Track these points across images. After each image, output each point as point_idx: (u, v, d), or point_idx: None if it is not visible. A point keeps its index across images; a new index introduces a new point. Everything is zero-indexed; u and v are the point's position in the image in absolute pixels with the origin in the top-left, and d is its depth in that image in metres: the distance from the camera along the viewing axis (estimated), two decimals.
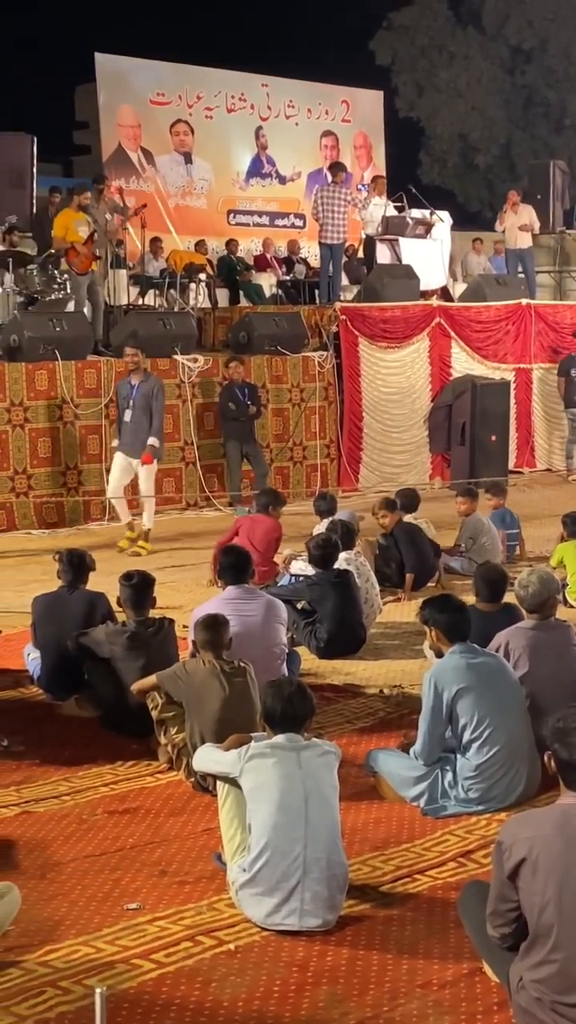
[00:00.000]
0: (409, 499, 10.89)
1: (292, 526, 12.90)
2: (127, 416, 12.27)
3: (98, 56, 23.26)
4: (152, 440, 12.17)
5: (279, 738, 4.79)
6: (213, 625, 6.19)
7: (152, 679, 6.30)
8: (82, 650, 7.05)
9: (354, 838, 5.38)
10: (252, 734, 5.08)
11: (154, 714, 6.25)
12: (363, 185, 24.20)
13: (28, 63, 33.97)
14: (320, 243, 17.87)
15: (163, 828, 5.61)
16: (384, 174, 23.08)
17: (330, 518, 9.88)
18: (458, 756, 5.84)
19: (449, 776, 5.83)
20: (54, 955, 4.41)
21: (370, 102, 27.51)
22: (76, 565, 7.56)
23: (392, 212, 18.21)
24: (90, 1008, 4.04)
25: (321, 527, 9.68)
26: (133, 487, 12.56)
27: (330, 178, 18.05)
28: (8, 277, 14.72)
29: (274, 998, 4.18)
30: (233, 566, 7.32)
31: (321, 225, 17.46)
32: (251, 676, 6.06)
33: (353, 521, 9.78)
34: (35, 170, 18.57)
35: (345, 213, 17.52)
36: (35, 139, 18.25)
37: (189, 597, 9.72)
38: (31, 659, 7.55)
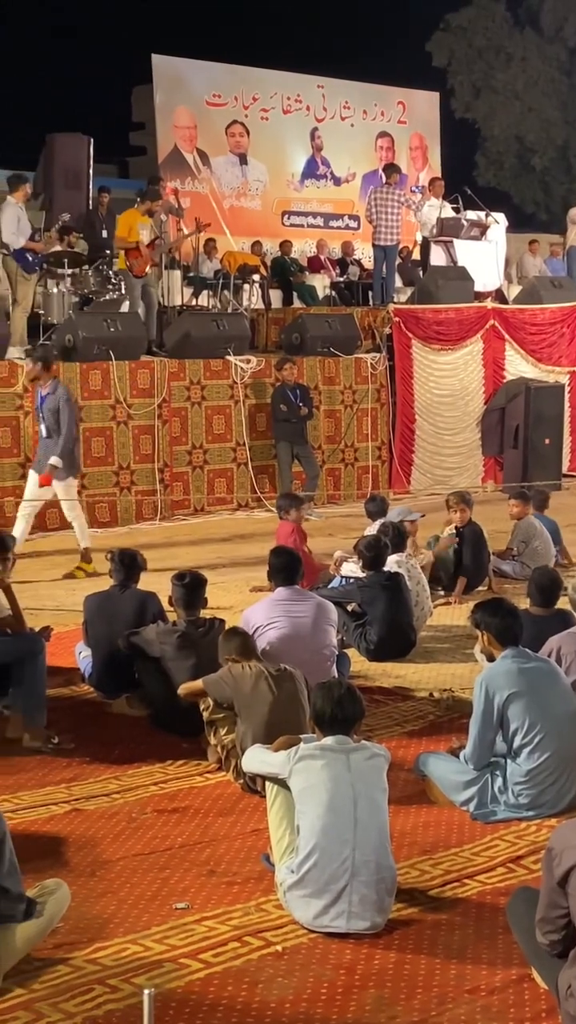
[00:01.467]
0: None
1: (342, 528, 12.94)
2: (41, 430, 11.38)
3: (155, 58, 23.35)
4: (53, 460, 10.96)
5: (328, 740, 4.78)
6: (237, 631, 6.24)
7: (199, 684, 6.32)
8: (133, 649, 7.08)
9: (403, 841, 5.37)
10: (301, 736, 5.07)
11: (205, 715, 6.26)
12: (417, 187, 24.16)
13: (86, 64, 34.14)
14: (374, 245, 17.84)
15: (212, 828, 5.63)
16: (440, 176, 22.98)
17: (381, 520, 9.85)
18: (508, 761, 5.81)
19: (499, 781, 5.80)
20: (103, 953, 4.43)
21: (426, 103, 27.43)
22: (128, 564, 7.59)
23: (448, 214, 18.15)
24: (138, 1007, 4.06)
25: (372, 529, 9.66)
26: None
27: (384, 179, 18.01)
28: (64, 277, 14.81)
29: (321, 1000, 4.18)
30: (283, 567, 7.32)
31: (375, 227, 17.44)
32: (298, 680, 6.06)
33: (404, 521, 9.75)
34: (91, 171, 18.67)
35: (399, 214, 17.49)
36: (92, 140, 18.34)
37: (239, 598, 9.74)
38: (82, 657, 7.59)
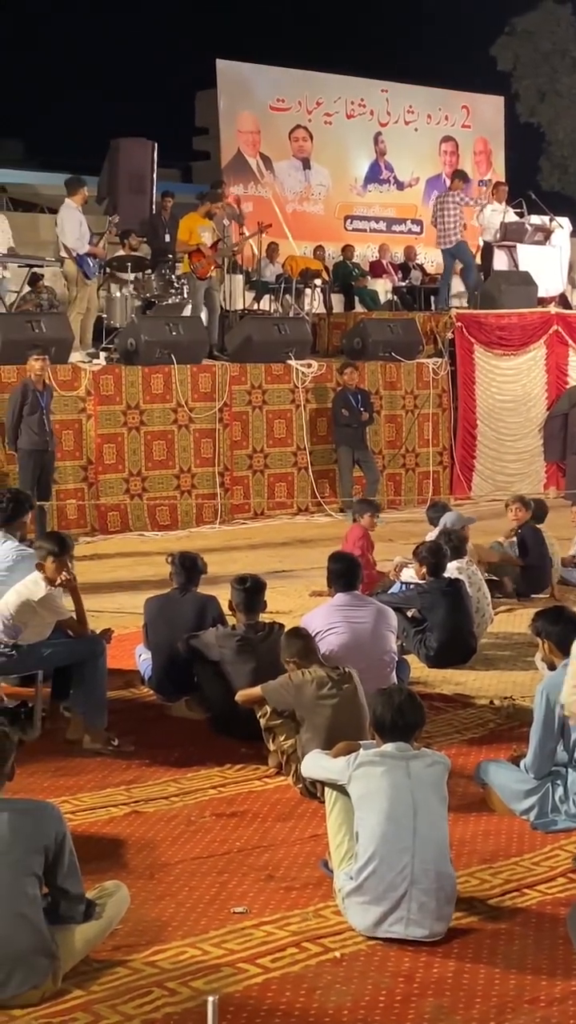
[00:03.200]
0: (540, 510, 10.75)
1: (403, 534, 12.88)
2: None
3: (219, 62, 23.43)
4: None
5: (388, 747, 4.76)
6: (299, 634, 6.23)
7: (257, 691, 6.32)
8: (192, 652, 7.09)
9: (462, 850, 5.33)
10: (361, 742, 5.06)
11: (262, 722, 6.27)
12: (482, 181, 24.00)
13: (149, 69, 34.36)
14: (442, 250, 17.73)
15: (270, 832, 5.62)
16: (504, 180, 22.88)
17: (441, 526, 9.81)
18: (569, 770, 5.76)
19: (560, 790, 5.75)
20: (161, 955, 4.43)
21: (491, 107, 27.30)
22: (188, 568, 7.60)
23: (511, 218, 18.07)
24: (195, 1010, 4.07)
25: (433, 535, 9.62)
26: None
27: (448, 184, 17.90)
28: (127, 282, 14.90)
29: (379, 1008, 4.16)
30: (343, 573, 7.30)
31: (439, 231, 17.36)
32: (357, 681, 6.05)
33: (460, 524, 9.71)
34: (155, 176, 18.78)
35: (460, 215, 17.33)
36: (156, 145, 18.44)
37: (299, 603, 9.72)
38: (142, 660, 7.61)
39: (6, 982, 4.05)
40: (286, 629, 7.23)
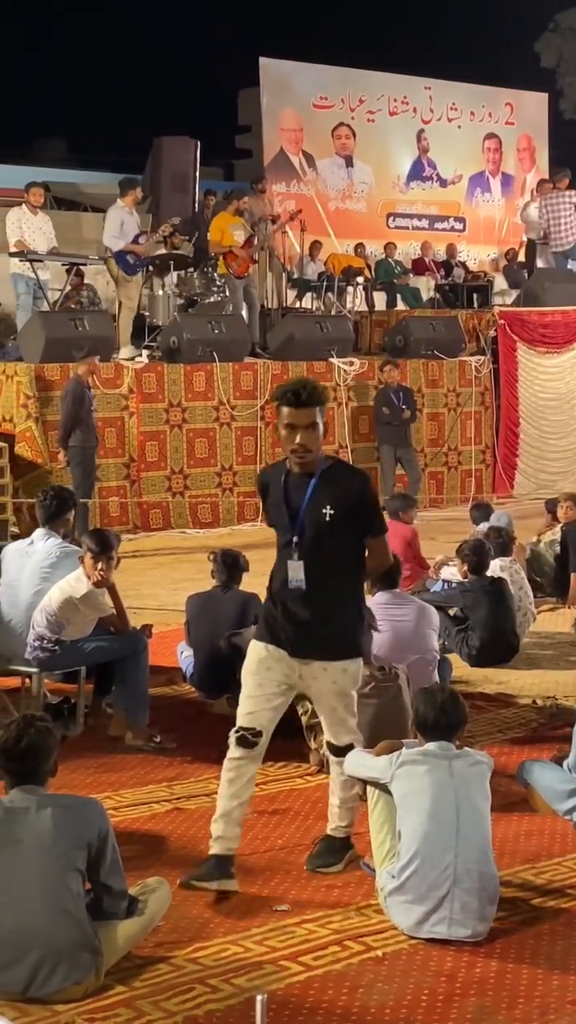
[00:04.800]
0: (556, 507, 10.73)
1: (444, 532, 12.84)
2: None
3: (262, 60, 23.44)
4: None
5: (431, 746, 4.75)
6: None
7: None
8: (234, 650, 7.08)
9: (504, 850, 5.30)
10: (403, 740, 5.04)
11: (303, 720, 6.26)
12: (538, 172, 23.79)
13: (192, 68, 34.43)
14: (553, 254, 17.53)
15: (313, 830, 5.60)
16: (548, 177, 22.75)
17: (485, 523, 9.77)
18: None
19: None
20: (203, 952, 4.44)
21: (534, 104, 27.18)
22: (230, 565, 7.62)
23: None
24: (237, 1008, 4.07)
25: (475, 533, 9.59)
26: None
27: (553, 184, 17.71)
28: (169, 280, 14.94)
29: (421, 1007, 4.14)
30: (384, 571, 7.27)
31: (547, 234, 17.20)
32: (403, 682, 6.03)
33: (509, 526, 9.67)
34: (197, 174, 18.82)
35: (573, 218, 17.16)
36: (199, 143, 18.47)
37: None
38: (184, 657, 7.63)
39: (49, 977, 4.07)
40: None
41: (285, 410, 4.85)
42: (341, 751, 5.10)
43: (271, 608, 5.09)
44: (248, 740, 5.00)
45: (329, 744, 5.16)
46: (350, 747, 5.06)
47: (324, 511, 4.86)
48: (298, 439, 4.82)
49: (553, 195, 17.33)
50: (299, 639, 4.98)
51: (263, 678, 5.01)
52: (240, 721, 5.03)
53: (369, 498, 5.02)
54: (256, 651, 5.06)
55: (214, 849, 5.00)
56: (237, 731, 5.02)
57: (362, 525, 4.98)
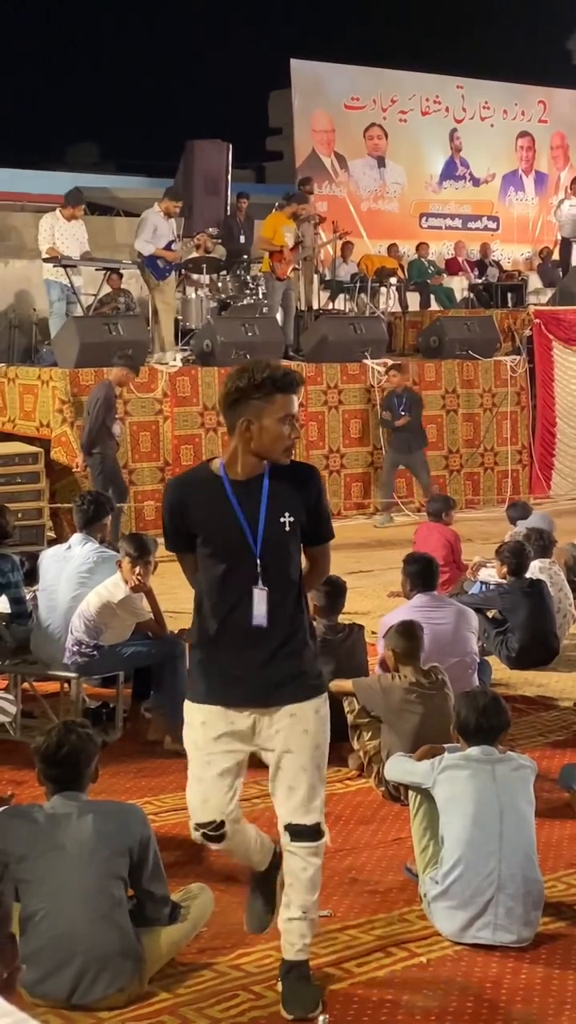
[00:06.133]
0: None
1: (481, 533, 12.78)
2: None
3: (293, 62, 23.39)
4: None
5: (473, 750, 4.71)
6: (410, 632, 6.12)
7: (349, 684, 6.29)
8: None
9: (548, 854, 5.25)
10: (445, 745, 5.01)
11: (349, 718, 6.23)
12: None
13: (221, 70, 34.44)
14: None
15: (353, 835, 5.59)
16: None
17: (523, 524, 9.71)
18: None
19: None
20: (246, 959, 4.42)
21: (568, 102, 26.99)
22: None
23: None
24: (280, 1016, 4.04)
25: (514, 534, 9.53)
26: None
27: None
28: (202, 282, 14.93)
29: (467, 1014, 4.11)
30: (420, 573, 7.24)
31: None
32: (449, 690, 5.99)
33: (549, 527, 9.60)
34: (230, 177, 18.82)
35: None
36: (231, 146, 18.47)
37: (376, 603, 9.69)
38: None
39: (93, 984, 4.06)
40: (364, 632, 7.21)
41: (281, 398, 3.95)
42: (309, 833, 4.08)
43: (210, 657, 4.09)
44: (212, 837, 4.09)
45: (291, 826, 4.09)
46: (319, 830, 4.11)
47: (283, 520, 3.99)
48: (293, 433, 4.01)
49: None
50: (259, 684, 4.04)
51: (212, 753, 4.06)
52: (196, 814, 4.09)
53: (326, 497, 4.19)
54: (197, 717, 4.09)
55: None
56: (196, 828, 4.10)
57: (313, 531, 4.12)
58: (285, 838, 4.12)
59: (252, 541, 3.97)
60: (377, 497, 14.33)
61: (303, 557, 4.17)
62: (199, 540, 4.06)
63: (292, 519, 4.00)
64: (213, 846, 4.16)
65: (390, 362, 14.76)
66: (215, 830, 4.06)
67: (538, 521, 9.91)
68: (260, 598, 3.99)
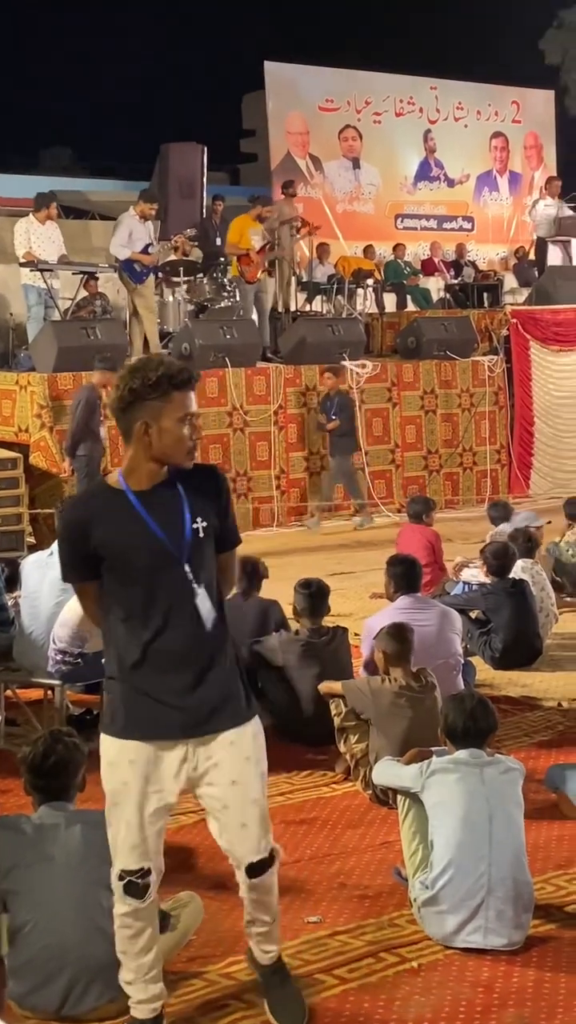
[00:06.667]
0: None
1: (462, 533, 12.79)
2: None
3: (267, 64, 23.43)
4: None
5: (461, 753, 4.70)
6: (401, 635, 6.10)
7: (338, 686, 6.27)
8: (256, 658, 7.05)
9: (536, 855, 5.24)
10: (433, 748, 4.99)
11: (336, 721, 6.21)
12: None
13: (194, 73, 34.44)
14: None
15: (341, 840, 5.57)
16: (556, 174, 22.72)
17: (505, 524, 9.71)
18: None
19: None
20: (237, 967, 4.38)
21: (541, 102, 27.12)
22: (250, 573, 7.57)
23: (565, 213, 17.92)
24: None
25: (494, 534, 9.53)
26: None
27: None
28: (179, 286, 14.90)
29: (459, 1019, 4.10)
30: (404, 575, 7.23)
31: None
32: (438, 694, 5.97)
33: (533, 525, 9.62)
34: (205, 180, 18.78)
35: None
36: (205, 149, 18.44)
37: (359, 605, 9.68)
38: None
39: (84, 995, 4.03)
40: (349, 634, 7.19)
41: (179, 396, 3.68)
42: (269, 862, 3.88)
43: (134, 687, 3.74)
44: (138, 887, 3.76)
45: (252, 866, 3.85)
46: (273, 857, 3.88)
47: (196, 526, 3.72)
48: (194, 433, 3.73)
49: None
50: (192, 710, 3.71)
51: (144, 794, 3.72)
52: (121, 860, 3.76)
53: (231, 499, 3.95)
54: (124, 755, 3.73)
55: (141, 1014, 3.88)
56: (120, 876, 3.77)
57: (222, 536, 3.84)
58: (241, 875, 3.88)
59: (175, 550, 3.67)
60: (321, 499, 14.04)
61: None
62: (106, 565, 3.70)
63: (206, 524, 3.74)
64: (131, 903, 3.78)
65: (368, 364, 14.77)
66: (142, 877, 3.76)
67: (526, 519, 9.92)
68: (203, 601, 3.72)
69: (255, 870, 3.85)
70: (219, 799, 3.77)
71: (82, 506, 3.84)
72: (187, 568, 3.69)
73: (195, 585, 3.70)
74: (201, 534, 3.72)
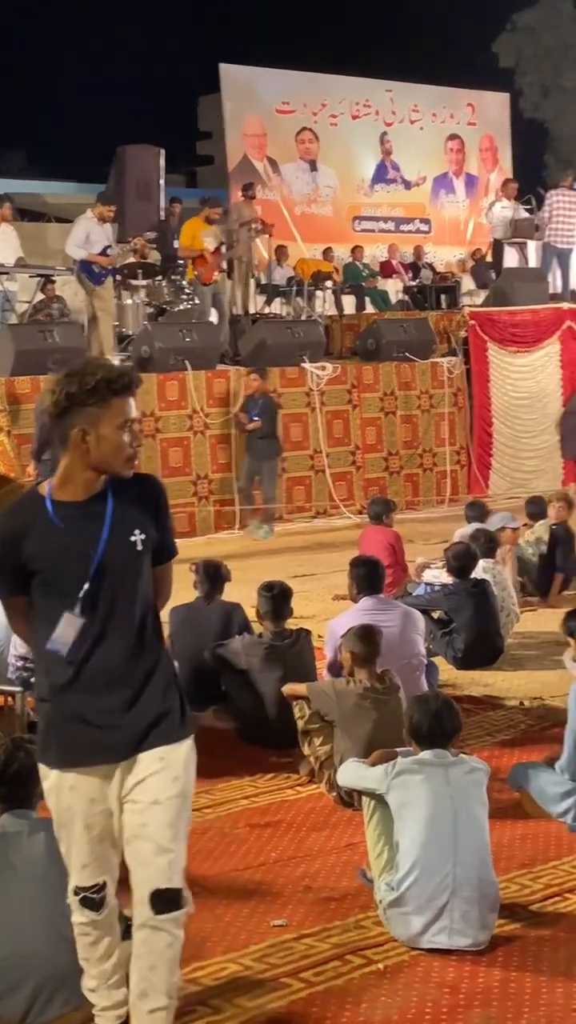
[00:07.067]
0: (538, 506, 10.73)
1: (422, 534, 12.82)
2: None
3: (223, 67, 23.43)
4: None
5: (426, 754, 4.70)
6: (369, 637, 6.09)
7: (302, 688, 6.26)
8: (219, 661, 7.04)
9: (500, 855, 5.24)
10: (398, 749, 4.99)
11: (300, 723, 6.19)
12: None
13: (149, 76, 34.36)
14: (546, 244, 17.69)
15: (306, 842, 5.56)
16: (511, 176, 22.86)
17: (476, 524, 9.73)
18: None
19: None
20: (202, 972, 4.36)
21: (496, 105, 27.27)
22: (212, 576, 7.55)
23: (521, 215, 18.01)
24: None
25: (463, 533, 9.55)
26: None
27: (561, 181, 18.02)
28: (138, 289, 14.85)
29: (426, 1020, 4.09)
30: (366, 576, 7.23)
31: (550, 228, 17.35)
32: (402, 694, 5.97)
33: (506, 527, 9.66)
34: (162, 182, 18.73)
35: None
36: (162, 151, 18.39)
37: (321, 607, 9.67)
38: None
39: (48, 1004, 4.00)
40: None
41: (119, 402, 3.49)
42: (176, 899, 3.58)
43: (66, 711, 3.58)
44: (93, 901, 3.71)
45: (157, 894, 3.56)
46: (180, 894, 3.59)
47: (133, 538, 3.55)
48: (133, 440, 3.56)
49: (563, 193, 17.55)
50: (127, 732, 3.57)
51: (89, 816, 3.61)
52: (75, 877, 3.70)
53: (168, 510, 3.74)
54: (63, 782, 3.62)
55: (106, 1022, 3.84)
56: (76, 891, 3.72)
57: (160, 548, 3.67)
58: (146, 911, 3.57)
59: (103, 564, 3.51)
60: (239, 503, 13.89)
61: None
62: (37, 580, 3.55)
63: (144, 536, 3.56)
64: (88, 915, 3.72)
65: (328, 366, 14.78)
66: (97, 892, 3.68)
67: (503, 520, 9.94)
68: (68, 623, 3.50)
69: (162, 902, 3.55)
70: (138, 818, 3.57)
71: (13, 517, 3.61)
72: (118, 582, 3.54)
73: (127, 600, 3.56)
74: (139, 547, 3.56)
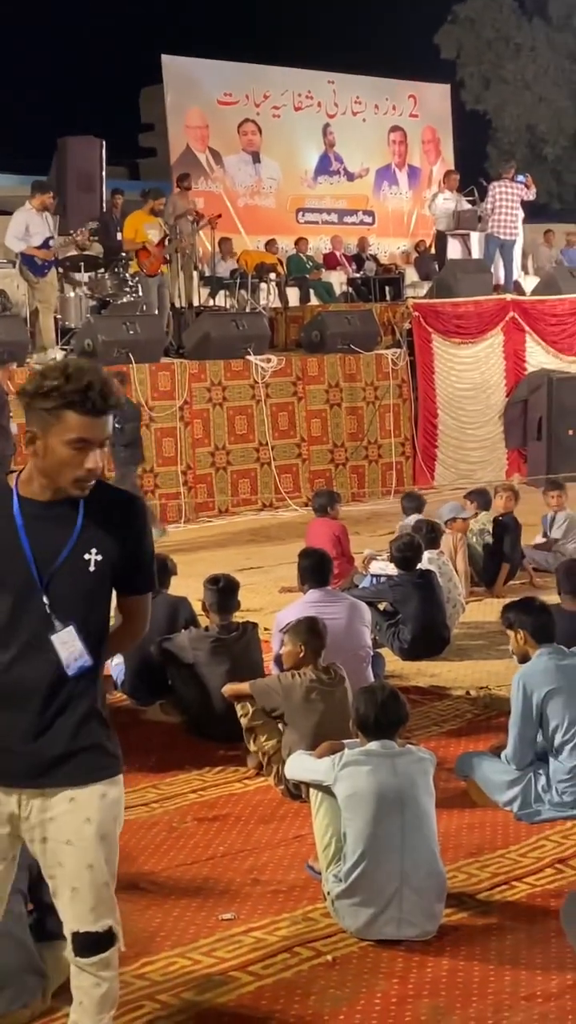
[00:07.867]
0: (483, 497, 10.79)
1: (368, 526, 12.86)
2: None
3: (164, 58, 23.29)
4: None
5: (373, 745, 4.71)
6: (314, 629, 6.09)
7: (245, 687, 6.23)
8: (166, 655, 7.01)
9: (447, 844, 5.27)
10: (345, 741, 4.99)
11: (243, 721, 6.18)
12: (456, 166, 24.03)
13: (91, 67, 34.10)
14: (489, 236, 17.79)
15: (254, 835, 5.55)
16: (454, 168, 22.93)
17: (416, 515, 9.76)
18: (551, 759, 5.73)
19: (543, 780, 5.72)
20: (150, 968, 4.35)
21: (437, 96, 27.30)
22: (158, 569, 7.49)
23: (464, 206, 18.07)
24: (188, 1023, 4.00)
25: (405, 524, 9.58)
26: None
27: (501, 174, 18.13)
28: (81, 281, 14.76)
29: (375, 1011, 4.10)
30: (314, 568, 7.23)
31: (493, 220, 17.43)
32: (347, 685, 5.98)
33: (457, 518, 9.70)
34: (104, 174, 18.61)
35: (517, 209, 17.51)
36: (104, 143, 18.27)
37: (268, 599, 9.67)
38: (114, 664, 7.51)
39: None
40: (259, 629, 7.18)
41: (74, 418, 3.17)
42: (100, 942, 3.39)
43: None
44: None
45: (78, 936, 3.38)
46: (111, 933, 3.41)
47: (88, 556, 3.27)
48: (88, 462, 3.20)
49: (504, 185, 17.58)
50: (29, 759, 3.29)
51: None
52: None
53: (150, 539, 3.45)
54: None
55: None
56: None
57: (128, 578, 3.37)
58: (70, 949, 3.40)
59: (41, 576, 3.24)
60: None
61: (113, 608, 3.42)
62: None
63: (100, 558, 3.26)
64: None
65: (273, 358, 14.76)
66: None
67: (452, 510, 9.97)
68: (63, 641, 3.25)
69: (84, 945, 3.35)
70: (52, 855, 3.34)
71: None
72: (46, 600, 3.25)
73: (57, 621, 3.25)
74: (91, 567, 3.26)
